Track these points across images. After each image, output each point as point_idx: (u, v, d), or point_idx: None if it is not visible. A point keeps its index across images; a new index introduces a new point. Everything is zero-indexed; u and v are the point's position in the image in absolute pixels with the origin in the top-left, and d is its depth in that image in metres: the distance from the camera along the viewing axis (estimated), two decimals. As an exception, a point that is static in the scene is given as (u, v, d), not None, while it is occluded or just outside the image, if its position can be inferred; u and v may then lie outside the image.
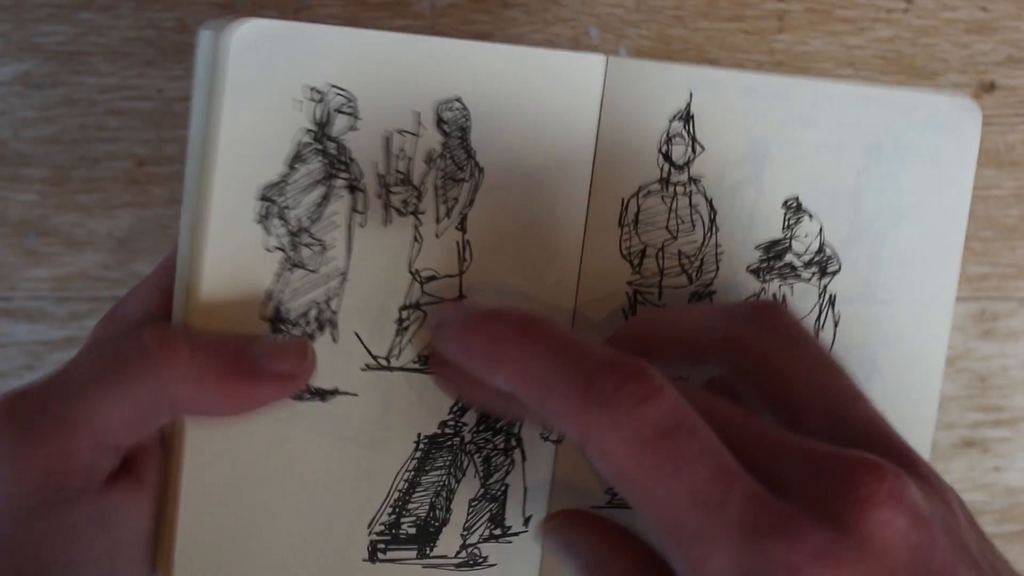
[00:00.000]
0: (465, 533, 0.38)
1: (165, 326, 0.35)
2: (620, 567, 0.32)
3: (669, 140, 0.37)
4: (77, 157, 0.50)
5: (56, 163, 0.50)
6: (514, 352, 0.31)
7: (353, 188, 0.35)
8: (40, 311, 0.51)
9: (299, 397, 0.36)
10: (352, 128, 0.35)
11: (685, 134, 0.37)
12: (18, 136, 0.50)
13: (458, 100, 0.36)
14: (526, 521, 0.38)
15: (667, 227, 0.38)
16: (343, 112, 0.35)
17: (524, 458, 0.38)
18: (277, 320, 0.36)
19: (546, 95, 0.36)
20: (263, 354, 0.35)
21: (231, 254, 0.35)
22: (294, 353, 0.35)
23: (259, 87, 0.34)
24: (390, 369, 0.37)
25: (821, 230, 0.39)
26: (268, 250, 0.35)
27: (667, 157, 0.37)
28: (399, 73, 0.35)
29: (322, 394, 0.36)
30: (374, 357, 0.36)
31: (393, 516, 0.37)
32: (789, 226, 0.38)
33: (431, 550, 0.38)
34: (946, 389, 0.55)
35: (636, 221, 0.38)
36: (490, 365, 0.31)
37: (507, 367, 0.31)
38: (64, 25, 0.50)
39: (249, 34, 0.33)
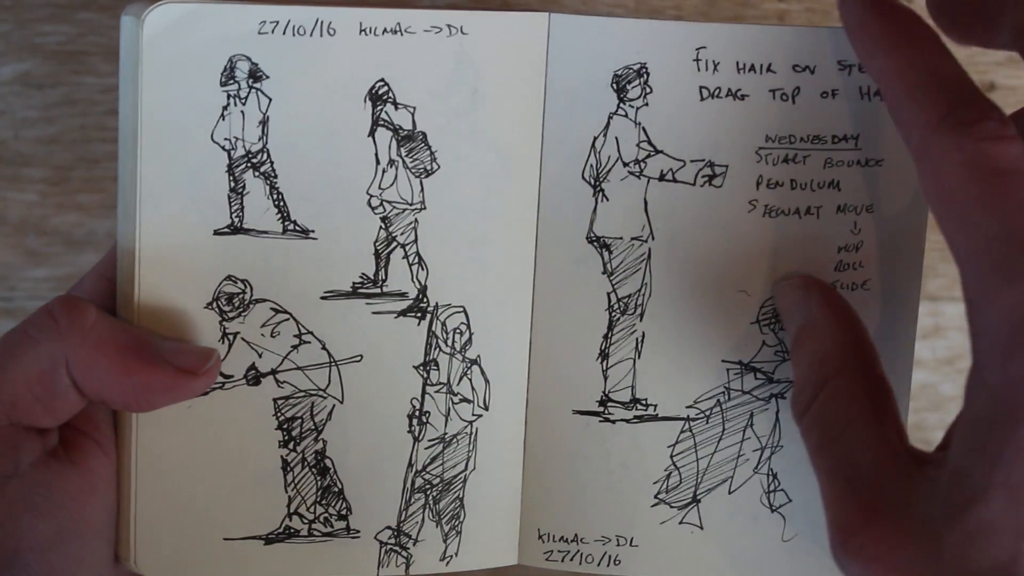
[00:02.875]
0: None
1: (78, 297, 0.36)
2: (832, 339, 0.35)
3: (619, 78, 0.38)
4: (77, 157, 0.50)
5: (56, 163, 0.50)
6: (899, 47, 0.32)
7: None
8: (40, 311, 0.51)
9: (255, 382, 0.37)
10: (270, 102, 0.36)
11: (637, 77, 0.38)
12: (18, 136, 0.50)
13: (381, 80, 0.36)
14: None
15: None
16: (257, 79, 0.35)
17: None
18: (222, 307, 0.36)
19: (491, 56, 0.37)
20: (166, 348, 0.35)
21: (166, 238, 0.35)
22: (197, 355, 0.35)
23: (176, 68, 0.34)
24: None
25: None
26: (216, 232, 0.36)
27: (619, 92, 0.38)
28: (315, 48, 0.35)
29: (257, 379, 0.37)
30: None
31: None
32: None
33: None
34: (946, 389, 0.55)
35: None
36: (875, 48, 0.33)
37: (887, 58, 0.33)
38: (64, 25, 0.50)
39: (162, 18, 0.34)
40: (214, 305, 0.36)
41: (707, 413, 0.40)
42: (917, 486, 0.31)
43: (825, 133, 0.38)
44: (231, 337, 0.37)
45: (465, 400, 0.39)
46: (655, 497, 0.40)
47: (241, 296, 0.37)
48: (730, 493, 0.40)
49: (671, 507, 0.40)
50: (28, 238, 0.50)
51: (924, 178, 0.31)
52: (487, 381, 0.39)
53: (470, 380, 0.39)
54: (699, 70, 0.37)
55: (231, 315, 0.37)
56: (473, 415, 0.39)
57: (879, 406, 0.34)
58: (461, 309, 0.39)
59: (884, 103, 0.34)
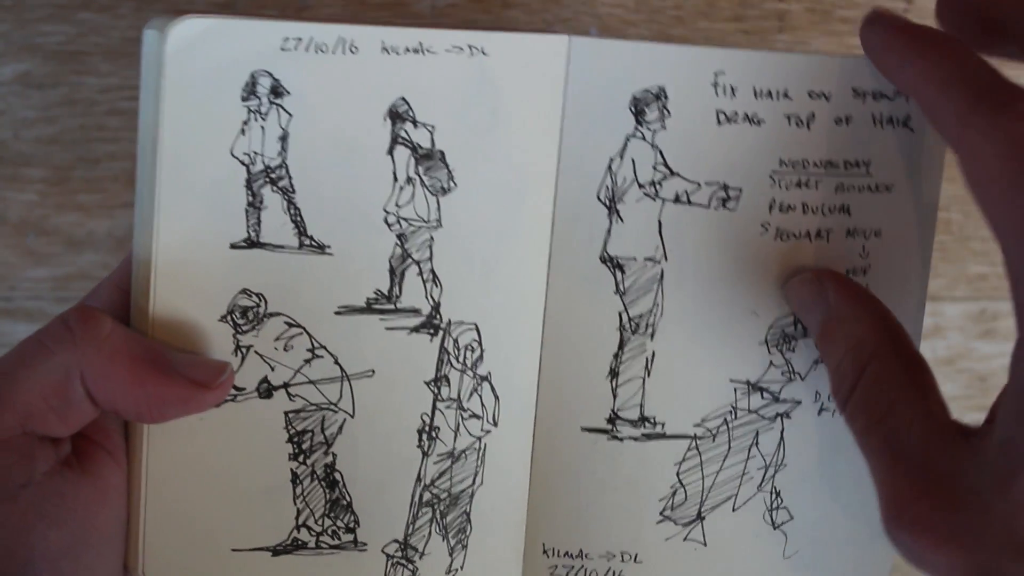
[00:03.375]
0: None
1: (93, 308, 0.36)
2: (861, 326, 0.36)
3: (638, 101, 0.38)
4: (77, 157, 0.50)
5: (56, 163, 0.50)
6: (926, 53, 0.34)
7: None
8: (40, 311, 0.51)
9: (267, 395, 0.37)
10: (291, 118, 0.36)
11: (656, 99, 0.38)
12: (18, 136, 0.50)
13: (402, 98, 0.36)
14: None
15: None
16: (278, 94, 0.35)
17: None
18: (237, 320, 0.36)
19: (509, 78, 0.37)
20: (180, 360, 0.35)
21: (183, 250, 0.35)
22: (211, 368, 0.36)
23: (198, 82, 0.34)
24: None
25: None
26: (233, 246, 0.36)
27: (638, 115, 0.38)
28: (337, 66, 0.35)
29: (270, 392, 0.37)
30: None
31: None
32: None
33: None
34: (946, 389, 0.55)
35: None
36: (903, 60, 0.35)
37: (915, 65, 0.34)
38: (64, 25, 0.50)
39: (186, 32, 0.34)
40: (228, 318, 0.36)
41: (714, 432, 0.40)
42: (965, 458, 0.32)
43: (838, 159, 0.39)
44: (244, 350, 0.37)
45: (475, 416, 0.39)
46: (660, 514, 0.40)
47: (255, 310, 0.37)
48: (734, 511, 0.41)
49: (676, 524, 0.40)
50: (28, 238, 0.50)
51: (964, 164, 0.32)
52: (497, 397, 0.39)
53: (480, 396, 0.39)
54: (717, 94, 0.38)
55: (245, 328, 0.37)
56: (482, 431, 0.39)
57: (919, 383, 0.34)
58: (473, 326, 0.39)
59: (919, 106, 0.35)
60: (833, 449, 0.40)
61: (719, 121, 0.38)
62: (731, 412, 0.40)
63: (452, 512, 0.40)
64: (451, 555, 0.40)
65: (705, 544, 0.41)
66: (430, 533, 0.39)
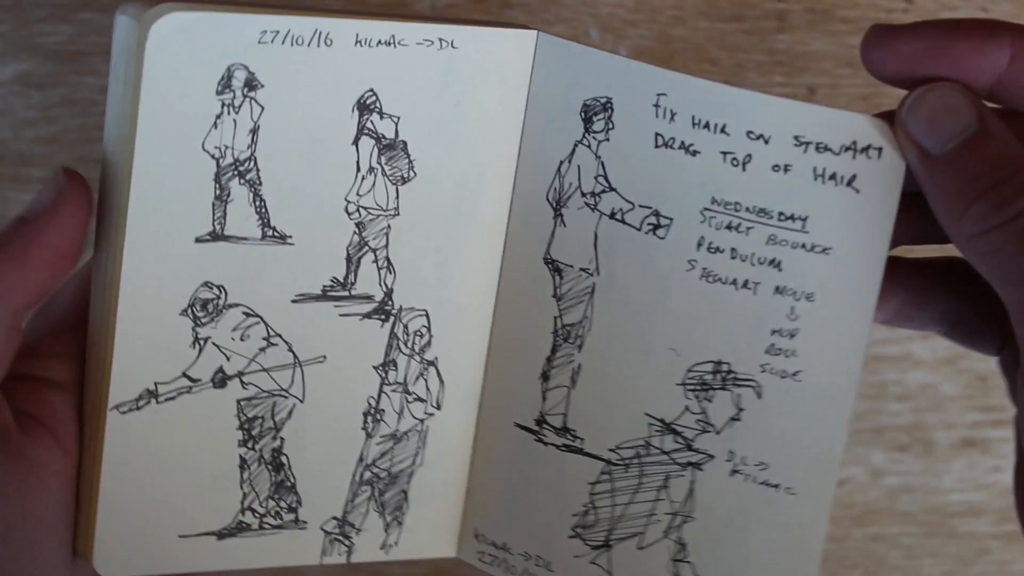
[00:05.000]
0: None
1: None
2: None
3: (588, 108, 0.38)
4: (77, 157, 0.50)
5: (56, 163, 0.50)
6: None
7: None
8: (40, 311, 0.51)
9: (221, 384, 0.38)
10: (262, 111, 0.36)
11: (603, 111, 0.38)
12: (18, 136, 0.50)
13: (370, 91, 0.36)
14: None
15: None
16: (252, 88, 0.35)
17: None
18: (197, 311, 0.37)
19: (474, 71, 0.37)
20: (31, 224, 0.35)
21: (148, 244, 0.35)
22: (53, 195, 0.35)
23: (175, 76, 0.34)
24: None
25: None
26: (198, 239, 0.36)
27: (587, 122, 0.38)
28: (311, 58, 0.35)
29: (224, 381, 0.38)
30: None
31: None
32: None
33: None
34: (946, 389, 0.55)
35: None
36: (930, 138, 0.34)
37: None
38: (64, 25, 0.50)
39: (167, 26, 0.33)
40: (188, 311, 0.36)
41: (627, 462, 0.39)
42: None
43: (772, 208, 0.36)
44: (202, 342, 0.37)
45: (419, 399, 0.40)
46: (572, 529, 0.40)
47: (215, 302, 0.37)
48: (639, 549, 0.39)
49: (585, 544, 0.40)
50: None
51: (981, 259, 0.33)
52: (442, 382, 0.40)
53: (426, 380, 0.40)
54: (657, 116, 0.37)
55: (204, 321, 0.37)
56: (425, 413, 0.40)
57: None
58: (424, 312, 0.39)
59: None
60: (743, 514, 0.38)
61: (656, 144, 0.37)
62: (644, 447, 0.39)
63: (391, 490, 0.40)
64: (387, 531, 0.41)
65: (610, 574, 0.39)
66: (368, 510, 0.40)
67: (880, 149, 0.35)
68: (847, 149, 0.35)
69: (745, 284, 0.37)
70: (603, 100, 0.37)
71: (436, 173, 0.38)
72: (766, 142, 0.36)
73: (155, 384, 0.37)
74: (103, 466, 0.36)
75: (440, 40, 0.37)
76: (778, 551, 0.37)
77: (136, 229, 0.35)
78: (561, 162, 0.38)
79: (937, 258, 0.39)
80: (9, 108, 0.50)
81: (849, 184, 0.35)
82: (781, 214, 0.36)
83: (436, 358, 0.40)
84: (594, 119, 0.38)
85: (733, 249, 0.37)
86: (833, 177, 0.36)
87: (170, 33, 0.33)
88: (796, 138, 0.36)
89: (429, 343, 0.39)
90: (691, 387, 0.38)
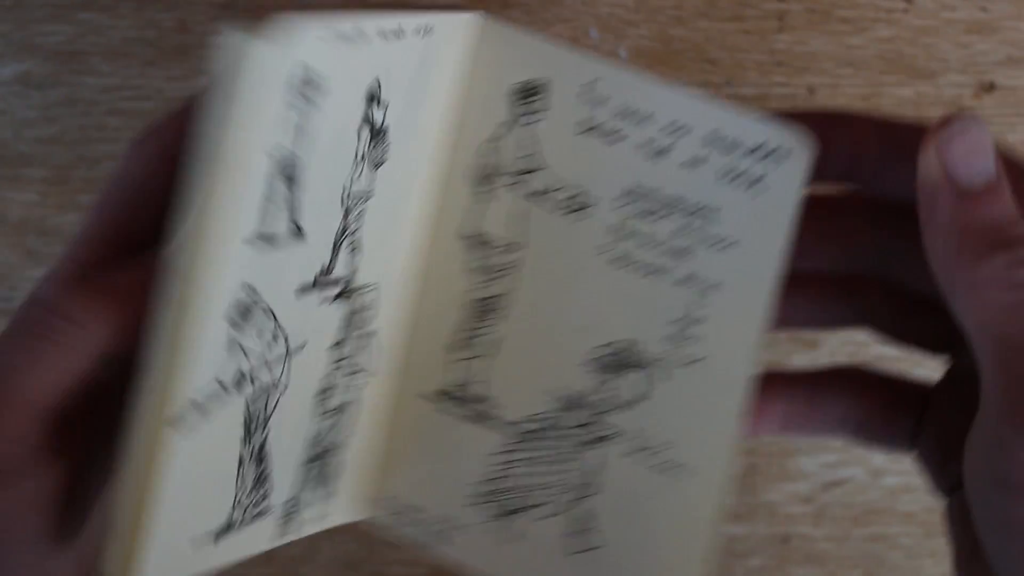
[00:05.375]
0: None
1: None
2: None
3: (525, 89, 0.40)
4: (77, 157, 0.50)
5: (56, 163, 0.50)
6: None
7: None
8: (40, 311, 0.51)
9: (240, 385, 0.38)
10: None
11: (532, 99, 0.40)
12: (18, 136, 0.50)
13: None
14: None
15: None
16: (310, 86, 0.35)
17: None
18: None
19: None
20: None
21: (200, 246, 0.35)
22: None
23: (266, 89, 0.34)
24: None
25: None
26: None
27: (523, 102, 0.40)
28: (350, 55, 0.36)
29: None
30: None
31: None
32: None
33: None
34: (946, 389, 0.55)
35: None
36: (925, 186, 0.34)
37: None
38: (64, 25, 0.50)
39: (282, 46, 0.33)
40: (227, 315, 0.36)
41: (534, 435, 0.40)
42: None
43: (687, 200, 0.39)
44: (234, 345, 0.37)
45: (363, 370, 0.41)
46: (479, 496, 0.41)
47: (253, 303, 0.37)
48: (542, 519, 0.41)
49: (489, 511, 0.41)
50: (28, 238, 0.51)
51: (965, 314, 0.33)
52: (380, 352, 0.41)
53: (369, 352, 0.41)
54: (587, 102, 0.39)
55: (240, 323, 0.37)
56: (364, 382, 0.41)
57: None
58: (375, 287, 0.41)
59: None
60: (646, 491, 0.40)
61: (584, 129, 0.39)
62: (553, 420, 0.40)
63: (332, 462, 0.41)
64: (326, 501, 0.42)
65: (512, 542, 0.41)
66: (315, 485, 0.41)
67: (789, 151, 0.38)
68: (757, 150, 0.38)
69: (652, 272, 0.39)
70: (537, 83, 0.39)
71: (400, 155, 0.39)
72: (685, 136, 0.38)
73: (196, 393, 0.36)
74: (160, 488, 0.35)
75: (425, 28, 0.38)
76: (678, 527, 0.39)
77: (195, 229, 0.35)
78: (495, 139, 0.40)
79: (824, 368, 0.41)
80: (9, 108, 0.50)
81: (757, 183, 0.38)
82: (694, 206, 0.39)
83: (377, 329, 0.41)
84: (527, 100, 0.39)
85: (646, 236, 0.39)
86: (743, 175, 0.38)
87: (278, 50, 0.33)
88: (713, 134, 0.38)
89: (376, 315, 0.41)
90: (597, 365, 0.40)
